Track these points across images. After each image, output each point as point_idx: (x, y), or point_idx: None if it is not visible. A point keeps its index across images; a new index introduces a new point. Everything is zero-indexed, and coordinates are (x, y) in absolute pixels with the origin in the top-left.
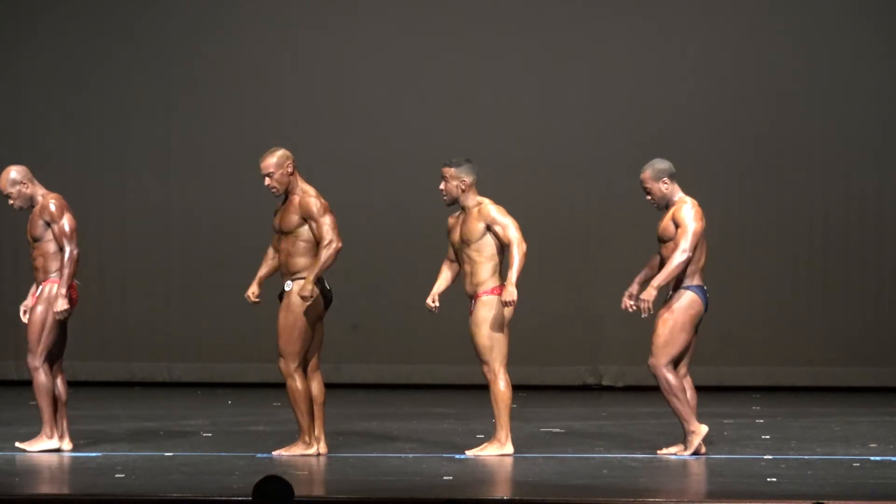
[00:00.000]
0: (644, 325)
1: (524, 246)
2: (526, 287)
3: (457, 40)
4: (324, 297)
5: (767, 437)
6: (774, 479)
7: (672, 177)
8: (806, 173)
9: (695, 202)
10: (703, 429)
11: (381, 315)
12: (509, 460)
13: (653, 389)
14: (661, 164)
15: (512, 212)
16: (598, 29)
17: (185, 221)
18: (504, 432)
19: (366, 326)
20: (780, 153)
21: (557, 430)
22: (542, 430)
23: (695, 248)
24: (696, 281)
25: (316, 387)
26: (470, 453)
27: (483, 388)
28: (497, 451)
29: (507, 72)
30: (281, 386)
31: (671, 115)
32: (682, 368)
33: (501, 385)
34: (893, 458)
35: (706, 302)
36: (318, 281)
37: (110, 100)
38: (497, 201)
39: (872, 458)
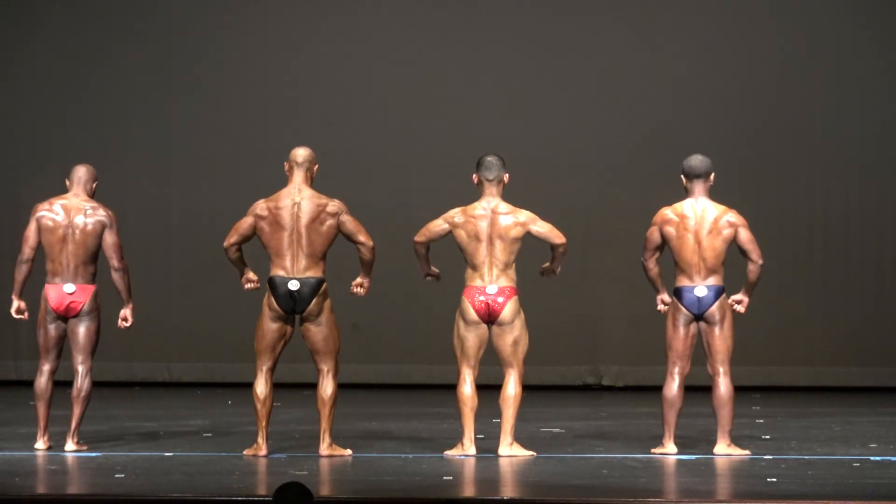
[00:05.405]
0: (643, 325)
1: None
2: (526, 287)
3: (457, 41)
4: (274, 296)
5: (767, 437)
6: (774, 479)
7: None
8: (805, 172)
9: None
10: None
11: (381, 315)
12: (510, 461)
13: (652, 389)
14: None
15: None
16: (597, 29)
17: (185, 221)
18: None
19: (366, 326)
20: (779, 152)
21: (557, 430)
22: (542, 430)
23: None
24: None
25: (319, 387)
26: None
27: (482, 388)
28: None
29: (508, 72)
30: (280, 386)
31: (670, 115)
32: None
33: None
34: (893, 458)
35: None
36: (271, 282)
37: (110, 100)
38: None
39: (872, 458)
